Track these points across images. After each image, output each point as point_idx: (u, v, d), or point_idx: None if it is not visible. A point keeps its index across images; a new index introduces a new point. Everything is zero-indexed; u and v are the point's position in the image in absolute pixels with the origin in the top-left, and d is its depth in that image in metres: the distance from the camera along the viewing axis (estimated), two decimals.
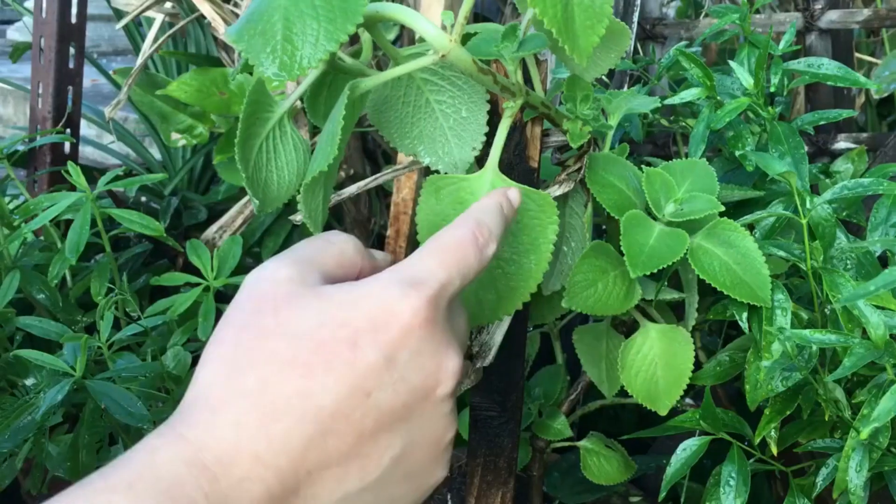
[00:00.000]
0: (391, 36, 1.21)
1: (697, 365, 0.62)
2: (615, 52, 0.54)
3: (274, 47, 0.40)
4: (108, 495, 0.31)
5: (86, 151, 1.88)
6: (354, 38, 0.56)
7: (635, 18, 0.85)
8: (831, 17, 0.89)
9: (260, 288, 0.37)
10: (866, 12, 0.87)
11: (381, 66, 1.08)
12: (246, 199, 1.11)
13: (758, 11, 0.90)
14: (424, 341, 0.36)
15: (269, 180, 0.51)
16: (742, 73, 0.64)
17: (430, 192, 0.51)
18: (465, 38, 0.52)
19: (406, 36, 1.22)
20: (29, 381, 0.81)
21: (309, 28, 0.40)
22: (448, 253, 0.39)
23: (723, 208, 0.54)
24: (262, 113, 0.50)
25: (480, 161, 0.54)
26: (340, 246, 0.41)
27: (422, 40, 0.48)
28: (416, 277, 0.37)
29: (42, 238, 1.02)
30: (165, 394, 0.81)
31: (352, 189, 0.60)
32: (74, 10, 1.11)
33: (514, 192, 0.46)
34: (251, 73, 1.00)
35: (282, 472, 0.34)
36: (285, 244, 1.18)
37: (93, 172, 1.14)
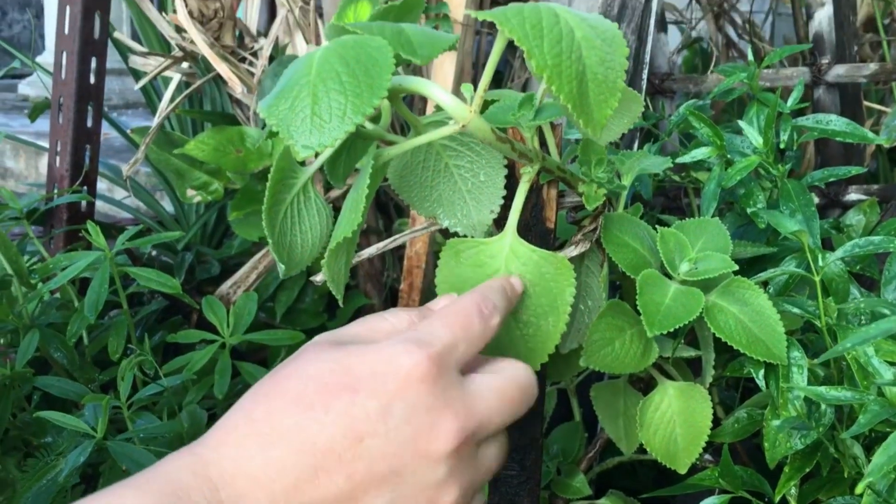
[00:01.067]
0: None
1: (716, 421, 0.63)
2: (628, 118, 0.56)
3: (303, 121, 0.43)
4: (122, 489, 0.36)
5: (97, 205, 1.92)
6: None
7: (644, 75, 0.88)
8: (838, 72, 0.92)
9: (305, 350, 0.43)
10: (873, 66, 0.90)
11: (395, 127, 1.12)
12: (260, 254, 1.14)
13: (766, 66, 0.93)
14: (422, 395, 0.39)
15: (294, 244, 0.54)
16: (752, 133, 0.67)
17: (451, 255, 0.53)
18: (483, 106, 0.55)
19: (417, 96, 1.26)
20: (46, 441, 0.82)
21: (336, 103, 0.42)
22: (453, 318, 0.43)
23: (736, 267, 0.56)
24: (287, 179, 0.52)
25: (498, 222, 0.57)
26: (392, 321, 0.45)
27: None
28: (420, 338, 0.41)
29: (58, 296, 1.04)
30: None
31: (371, 250, 0.63)
32: (93, 71, 1.15)
33: (516, 280, 0.50)
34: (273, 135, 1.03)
35: (275, 498, 0.37)
36: (299, 298, 1.20)
37: (110, 230, 1.17)
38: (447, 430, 0.39)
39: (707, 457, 0.70)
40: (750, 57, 0.76)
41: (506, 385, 0.44)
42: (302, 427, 0.38)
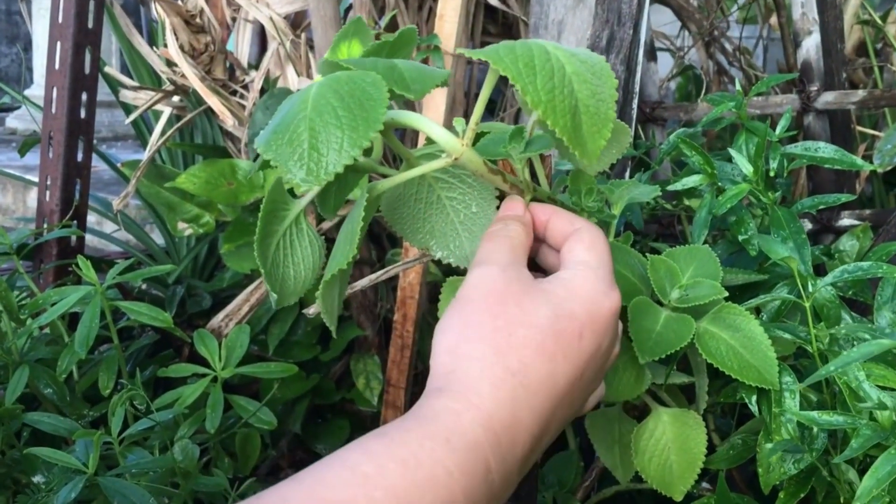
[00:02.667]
0: None
1: (711, 447, 0.64)
2: (616, 149, 0.58)
3: (301, 155, 0.44)
4: (431, 442, 0.41)
5: (86, 238, 1.93)
6: None
7: (634, 105, 0.90)
8: (827, 99, 0.94)
9: (495, 286, 0.47)
10: (861, 93, 0.93)
11: (386, 159, 1.14)
12: (252, 286, 1.15)
13: (756, 94, 0.96)
14: (614, 328, 0.49)
15: (286, 276, 0.55)
16: (741, 161, 0.69)
17: (450, 292, 0.55)
18: (475, 139, 0.57)
19: (409, 129, 1.28)
20: (35, 479, 0.83)
21: (333, 136, 0.44)
22: (608, 254, 0.51)
23: (726, 294, 0.58)
24: (279, 211, 0.54)
25: None
26: (519, 239, 0.51)
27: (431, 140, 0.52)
28: (608, 278, 0.49)
29: (48, 331, 1.05)
30: (174, 488, 0.83)
31: (363, 282, 0.64)
32: (84, 106, 1.17)
33: None
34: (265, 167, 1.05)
35: (534, 439, 0.45)
36: (292, 331, 1.21)
37: (100, 264, 1.19)
38: (616, 350, 0.51)
39: (704, 485, 0.71)
40: (738, 87, 0.79)
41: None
42: (551, 376, 0.45)
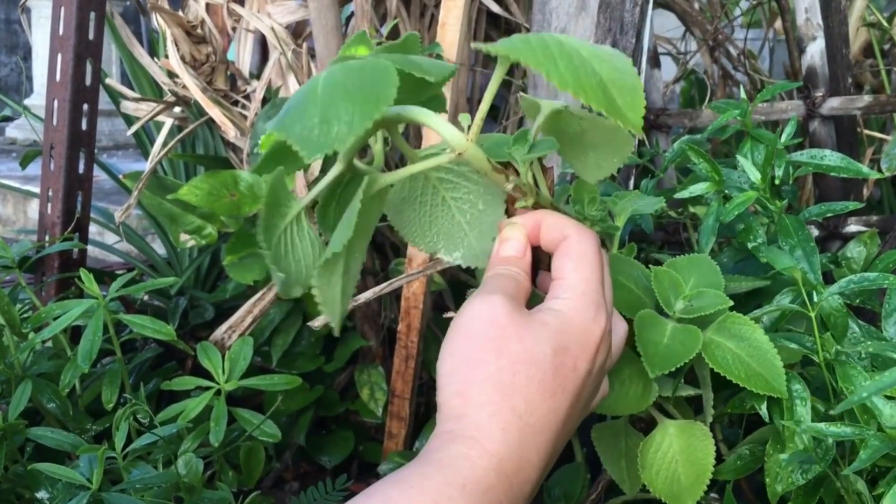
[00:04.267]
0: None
1: (719, 458, 0.64)
2: (618, 157, 0.58)
3: (311, 129, 0.44)
4: (449, 490, 0.44)
5: (87, 249, 1.94)
6: (365, 150, 0.61)
7: None
8: (832, 105, 0.94)
9: (497, 316, 0.49)
10: (867, 99, 0.93)
11: (390, 168, 1.14)
12: (255, 297, 1.16)
13: (761, 101, 0.96)
14: (606, 348, 0.52)
15: (288, 272, 0.55)
16: (749, 169, 0.69)
17: None
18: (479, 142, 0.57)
19: (412, 133, 1.28)
20: (39, 494, 0.83)
21: (343, 110, 0.44)
22: (600, 277, 0.52)
23: (731, 303, 0.58)
24: (280, 207, 0.54)
25: None
26: (524, 284, 0.53)
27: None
28: (598, 302, 0.51)
29: (50, 345, 1.06)
30: (178, 503, 0.83)
31: (368, 294, 0.65)
32: (85, 117, 1.18)
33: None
34: (261, 173, 1.05)
35: (540, 472, 0.48)
36: (295, 342, 1.22)
37: (101, 276, 1.19)
38: (606, 366, 0.53)
39: (713, 495, 0.71)
40: (742, 95, 0.79)
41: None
42: (553, 411, 0.48)
